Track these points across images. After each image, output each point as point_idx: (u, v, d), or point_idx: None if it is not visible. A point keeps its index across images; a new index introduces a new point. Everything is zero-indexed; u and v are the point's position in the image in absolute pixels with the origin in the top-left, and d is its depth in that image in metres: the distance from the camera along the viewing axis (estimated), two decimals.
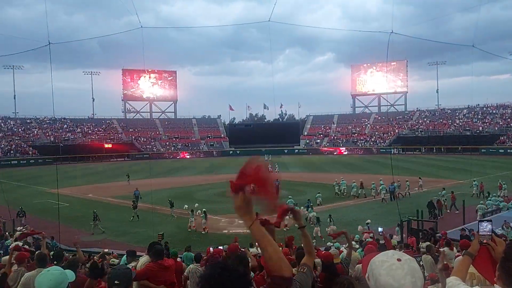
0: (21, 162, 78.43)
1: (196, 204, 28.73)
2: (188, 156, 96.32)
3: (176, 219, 28.24)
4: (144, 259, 7.97)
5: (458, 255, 8.31)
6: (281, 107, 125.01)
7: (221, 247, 13.13)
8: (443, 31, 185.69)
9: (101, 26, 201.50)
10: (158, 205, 30.83)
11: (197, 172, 59.87)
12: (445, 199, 29.97)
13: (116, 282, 4.53)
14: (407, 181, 35.22)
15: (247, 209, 2.25)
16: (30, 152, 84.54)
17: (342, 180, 37.81)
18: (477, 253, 2.90)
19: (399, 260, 1.93)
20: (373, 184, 36.07)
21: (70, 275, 3.36)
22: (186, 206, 27.75)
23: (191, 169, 63.92)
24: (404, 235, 20.57)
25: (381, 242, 15.73)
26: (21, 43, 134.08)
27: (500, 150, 76.49)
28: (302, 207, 26.30)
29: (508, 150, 75.17)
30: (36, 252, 8.12)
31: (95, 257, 9.98)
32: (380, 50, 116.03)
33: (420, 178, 38.28)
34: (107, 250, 16.78)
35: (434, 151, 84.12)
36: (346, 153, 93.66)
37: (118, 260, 15.07)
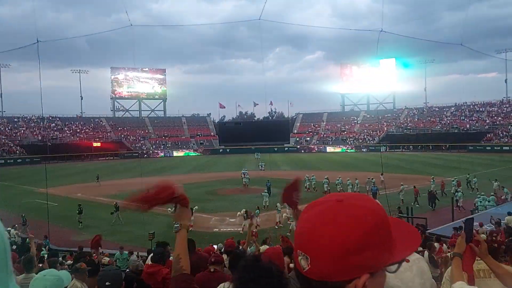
0: (8, 161, 77.39)
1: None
2: (176, 154, 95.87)
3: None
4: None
5: (449, 252, 8.40)
6: (271, 104, 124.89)
7: (215, 246, 13.15)
8: (432, 29, 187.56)
9: (89, 23, 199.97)
10: None
11: (186, 170, 59.71)
12: (436, 191, 31.08)
13: (107, 283, 4.50)
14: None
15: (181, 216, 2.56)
16: (17, 151, 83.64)
17: (313, 176, 38.47)
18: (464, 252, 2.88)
19: (407, 261, 1.85)
20: (349, 180, 36.14)
21: (66, 278, 3.27)
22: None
23: (181, 168, 63.73)
24: None
25: None
26: (7, 41, 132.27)
27: (487, 147, 77.26)
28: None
29: (495, 148, 75.97)
30: (24, 255, 7.82)
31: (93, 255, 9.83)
32: (369, 48, 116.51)
33: (381, 174, 36.66)
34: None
35: (422, 148, 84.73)
36: (335, 150, 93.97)
37: (109, 259, 15.02)
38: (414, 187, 31.76)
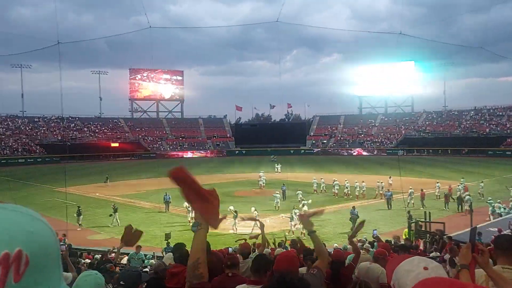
0: (28, 160, 78.73)
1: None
2: (191, 155, 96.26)
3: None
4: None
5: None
6: (290, 107, 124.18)
7: (230, 248, 13.20)
8: (452, 32, 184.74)
9: (109, 25, 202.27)
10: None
11: (203, 171, 59.97)
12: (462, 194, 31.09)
13: (121, 283, 4.57)
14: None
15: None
16: (37, 151, 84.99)
17: (322, 179, 39.32)
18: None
19: (425, 268, 1.84)
20: (356, 183, 36.38)
21: (100, 279, 3.34)
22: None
23: (197, 169, 64.01)
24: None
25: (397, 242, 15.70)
26: (29, 42, 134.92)
27: (507, 152, 75.90)
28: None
29: None
30: None
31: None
32: (387, 51, 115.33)
33: (390, 177, 38.30)
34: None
35: (440, 152, 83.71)
36: (355, 153, 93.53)
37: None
38: (422, 190, 31.86)
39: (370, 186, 36.52)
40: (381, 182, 35.83)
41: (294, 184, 38.31)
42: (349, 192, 36.22)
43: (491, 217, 25.44)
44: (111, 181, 46.96)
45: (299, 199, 31.97)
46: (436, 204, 31.73)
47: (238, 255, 6.68)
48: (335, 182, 37.07)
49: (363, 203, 33.57)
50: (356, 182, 36.23)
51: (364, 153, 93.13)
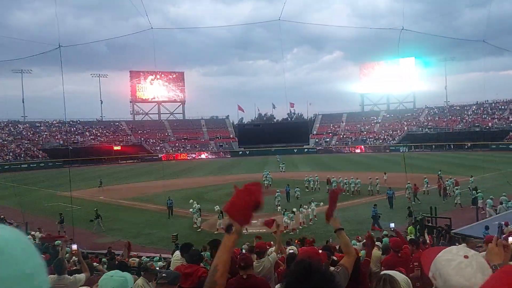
0: (31, 165, 78.85)
1: (191, 201, 28.67)
2: (192, 157, 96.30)
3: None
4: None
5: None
6: (292, 106, 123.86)
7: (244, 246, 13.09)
8: (453, 27, 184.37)
9: (109, 28, 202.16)
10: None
11: (207, 172, 59.96)
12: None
13: (164, 275, 4.81)
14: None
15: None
16: (39, 156, 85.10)
17: (316, 176, 40.50)
18: None
19: (466, 257, 1.86)
20: (345, 179, 37.43)
21: (129, 280, 3.28)
22: (192, 202, 28.01)
23: (201, 170, 64.02)
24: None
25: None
26: (29, 47, 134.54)
27: (510, 146, 75.79)
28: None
29: None
30: (57, 258, 8.13)
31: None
32: (388, 47, 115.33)
33: (385, 173, 39.38)
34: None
35: (444, 148, 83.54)
36: (358, 151, 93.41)
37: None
38: (415, 185, 31.98)
39: (365, 182, 36.81)
40: (377, 179, 36.41)
41: (298, 183, 38.25)
42: (346, 189, 36.38)
43: (488, 212, 25.01)
44: (115, 184, 46.93)
45: (296, 195, 33.69)
46: (425, 199, 31.56)
47: (251, 254, 6.60)
48: (333, 179, 38.27)
49: (368, 200, 33.51)
50: (352, 178, 36.89)
51: (367, 151, 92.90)
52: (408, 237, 16.83)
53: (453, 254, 1.91)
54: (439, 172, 37.51)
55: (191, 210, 27.49)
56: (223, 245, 2.13)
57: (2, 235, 1.03)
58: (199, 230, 25.84)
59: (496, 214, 23.09)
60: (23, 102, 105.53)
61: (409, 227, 21.12)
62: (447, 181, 34.61)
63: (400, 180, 31.43)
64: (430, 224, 21.12)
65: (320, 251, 5.43)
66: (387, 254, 8.90)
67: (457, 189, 31.00)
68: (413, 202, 29.81)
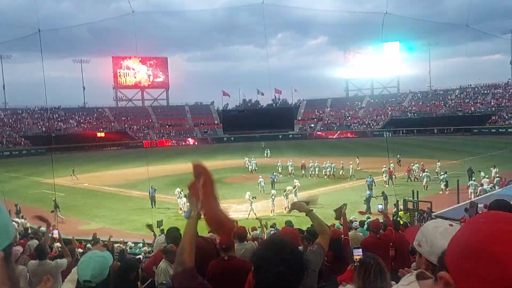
0: (13, 153, 77.88)
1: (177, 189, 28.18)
2: (173, 143, 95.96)
3: None
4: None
5: None
6: (279, 92, 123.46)
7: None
8: (437, 11, 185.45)
9: (90, 12, 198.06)
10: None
11: (191, 159, 59.74)
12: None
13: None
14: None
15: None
16: (22, 143, 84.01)
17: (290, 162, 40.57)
18: None
19: (450, 225, 2.09)
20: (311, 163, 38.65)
21: (109, 257, 3.31)
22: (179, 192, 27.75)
23: (185, 157, 63.81)
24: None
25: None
26: (8, 31, 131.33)
27: (492, 130, 77.13)
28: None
29: (500, 130, 75.81)
30: (38, 243, 8.17)
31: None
32: (372, 32, 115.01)
33: (357, 157, 41.39)
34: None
35: (427, 132, 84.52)
36: (336, 136, 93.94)
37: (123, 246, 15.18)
38: (389, 168, 32.32)
39: (347, 167, 37.33)
40: (350, 164, 36.98)
41: (283, 168, 38.53)
42: (330, 174, 37.11)
43: (472, 194, 25.50)
44: (99, 171, 46.62)
45: (275, 179, 32.74)
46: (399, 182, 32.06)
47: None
48: (316, 164, 38.58)
49: (352, 185, 33.87)
50: (327, 163, 37.65)
51: (350, 135, 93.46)
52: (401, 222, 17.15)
53: (439, 222, 2.17)
54: (398, 156, 38.91)
55: (176, 197, 27.41)
56: (186, 227, 2.43)
57: None
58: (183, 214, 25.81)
59: (477, 196, 23.62)
60: (3, 88, 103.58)
61: (400, 212, 21.44)
62: (413, 165, 35.31)
63: (374, 165, 31.95)
64: (412, 207, 21.53)
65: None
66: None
67: (426, 172, 31.87)
68: (387, 186, 30.50)
